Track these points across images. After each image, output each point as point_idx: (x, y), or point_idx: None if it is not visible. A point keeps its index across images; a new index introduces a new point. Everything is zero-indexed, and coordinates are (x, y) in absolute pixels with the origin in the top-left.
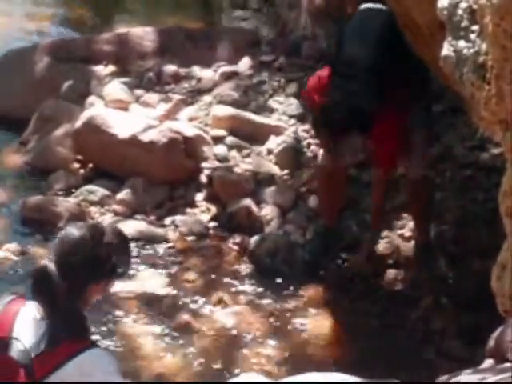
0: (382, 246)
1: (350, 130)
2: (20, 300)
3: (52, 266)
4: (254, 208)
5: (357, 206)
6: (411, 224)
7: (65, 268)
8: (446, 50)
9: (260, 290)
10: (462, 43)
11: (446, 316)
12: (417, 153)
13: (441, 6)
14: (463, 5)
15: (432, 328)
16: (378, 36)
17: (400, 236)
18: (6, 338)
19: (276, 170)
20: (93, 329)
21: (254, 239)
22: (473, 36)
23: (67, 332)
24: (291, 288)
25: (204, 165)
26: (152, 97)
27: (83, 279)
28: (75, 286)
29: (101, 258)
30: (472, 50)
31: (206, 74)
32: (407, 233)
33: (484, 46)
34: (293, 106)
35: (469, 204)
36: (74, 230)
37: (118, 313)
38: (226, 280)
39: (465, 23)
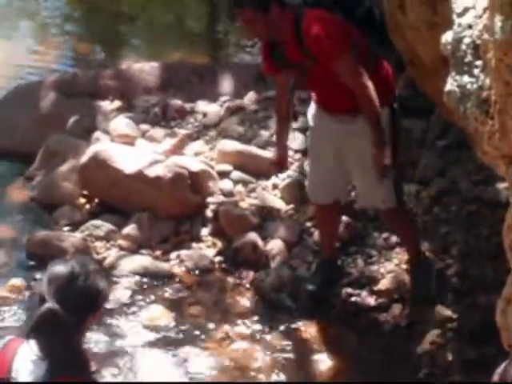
0: (387, 280)
1: None
2: (19, 340)
3: (56, 306)
4: (260, 242)
5: (362, 241)
6: None
7: (65, 305)
8: (450, 85)
9: (265, 324)
10: (465, 78)
11: (450, 351)
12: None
13: (444, 41)
14: (467, 40)
15: (437, 363)
16: None
17: (406, 270)
18: (4, 379)
19: (281, 204)
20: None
21: (260, 274)
22: (476, 71)
23: (69, 368)
24: (297, 323)
25: (209, 199)
26: (158, 132)
27: (83, 313)
28: (76, 321)
29: (93, 287)
30: (475, 85)
31: (212, 108)
32: None
33: (487, 81)
34: (298, 140)
35: (474, 238)
36: (61, 267)
37: (123, 347)
38: (231, 315)
39: (468, 58)
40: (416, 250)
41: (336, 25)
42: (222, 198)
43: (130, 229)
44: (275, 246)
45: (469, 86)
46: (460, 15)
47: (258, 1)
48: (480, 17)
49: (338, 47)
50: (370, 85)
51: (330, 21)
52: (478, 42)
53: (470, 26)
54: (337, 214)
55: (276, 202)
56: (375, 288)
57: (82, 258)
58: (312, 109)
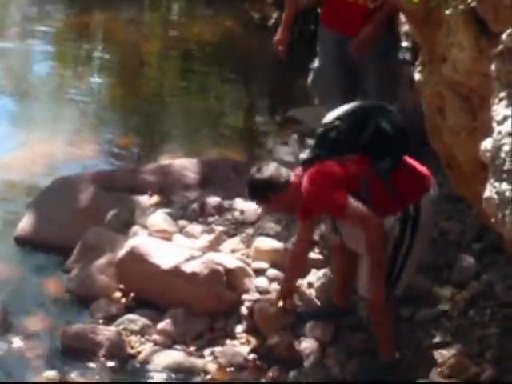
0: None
1: None
2: None
3: None
4: (294, 341)
5: None
6: (451, 361)
7: None
8: (489, 191)
9: None
10: (504, 185)
11: None
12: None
13: (483, 148)
14: (506, 148)
15: None
16: None
17: (440, 373)
18: None
19: (317, 303)
20: None
21: (293, 373)
22: None
23: None
24: None
25: (245, 296)
26: (195, 228)
27: None
28: None
29: None
30: None
31: (250, 206)
32: (446, 370)
33: None
34: None
35: (509, 342)
36: None
37: None
38: None
39: (507, 166)
40: (389, 354)
41: (328, 177)
42: (257, 296)
43: (165, 324)
44: (309, 345)
45: (507, 194)
46: (500, 123)
47: (258, 199)
48: None
49: (335, 203)
50: (377, 228)
51: (324, 176)
52: None
53: (509, 134)
54: (344, 258)
55: (311, 300)
56: None
57: None
58: None
